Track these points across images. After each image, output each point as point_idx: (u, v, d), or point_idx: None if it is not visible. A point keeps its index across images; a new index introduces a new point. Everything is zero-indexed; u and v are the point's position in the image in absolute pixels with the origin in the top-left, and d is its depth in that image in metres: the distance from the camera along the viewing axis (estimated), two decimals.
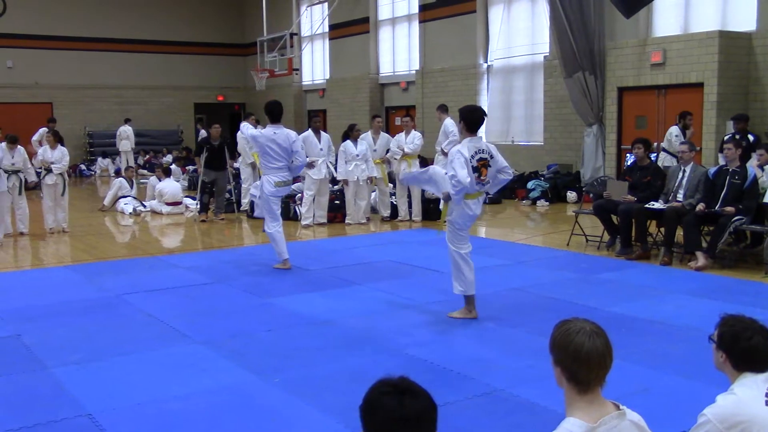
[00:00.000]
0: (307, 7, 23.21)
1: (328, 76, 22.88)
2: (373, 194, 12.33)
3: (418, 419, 1.78)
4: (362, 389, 1.89)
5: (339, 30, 21.89)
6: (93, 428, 3.96)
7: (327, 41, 22.88)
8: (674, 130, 10.99)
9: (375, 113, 17.40)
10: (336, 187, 12.56)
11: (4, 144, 10.39)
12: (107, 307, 6.57)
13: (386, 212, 12.08)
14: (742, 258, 8.31)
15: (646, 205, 8.41)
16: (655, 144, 11.39)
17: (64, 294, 7.13)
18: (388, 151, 12.13)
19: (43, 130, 16.29)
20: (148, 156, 23.44)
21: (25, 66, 23.29)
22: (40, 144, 15.34)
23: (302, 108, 24.58)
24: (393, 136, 12.53)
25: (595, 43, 13.74)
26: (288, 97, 24.48)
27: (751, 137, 10.26)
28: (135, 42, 24.88)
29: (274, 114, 8.11)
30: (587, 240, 9.39)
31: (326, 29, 22.53)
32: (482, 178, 5.81)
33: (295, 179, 14.24)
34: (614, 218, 8.86)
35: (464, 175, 5.59)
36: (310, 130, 11.77)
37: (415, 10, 19.08)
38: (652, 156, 10.21)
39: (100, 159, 23.65)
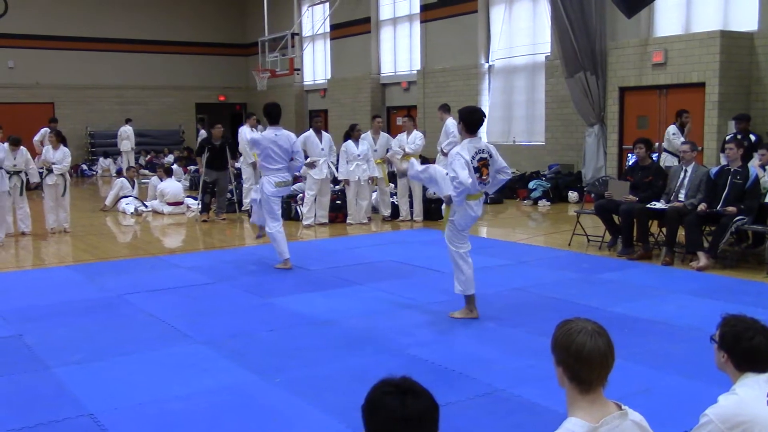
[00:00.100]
0: (309, 7, 23.22)
1: (329, 76, 22.88)
2: (374, 194, 12.34)
3: (420, 419, 1.78)
4: (364, 389, 1.89)
5: (340, 30, 21.90)
6: (94, 428, 3.97)
7: (328, 41, 22.88)
8: (672, 128, 11.16)
9: (376, 113, 17.39)
10: (337, 187, 12.56)
11: (6, 145, 10.40)
12: (109, 307, 6.58)
13: (387, 212, 12.09)
14: (743, 258, 8.30)
15: (648, 205, 8.40)
16: (657, 144, 11.41)
17: (65, 294, 7.13)
18: (387, 150, 12.13)
19: (45, 130, 16.31)
20: (149, 156, 23.45)
21: (26, 66, 23.31)
22: (42, 144, 15.37)
23: (303, 108, 24.58)
24: (394, 137, 12.54)
25: (597, 43, 13.74)
26: (289, 97, 24.50)
27: (752, 137, 10.26)
28: (136, 42, 24.89)
29: (273, 116, 8.16)
30: (589, 240, 9.39)
31: (327, 29, 22.54)
32: (484, 178, 5.83)
33: (296, 179, 14.33)
34: (616, 218, 8.86)
35: (465, 176, 5.60)
36: (311, 130, 11.79)
37: (417, 10, 19.07)
38: (654, 156, 10.23)
39: (101, 159, 23.67)
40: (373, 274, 7.77)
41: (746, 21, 12.03)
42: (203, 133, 20.78)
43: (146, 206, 13.66)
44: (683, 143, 9.09)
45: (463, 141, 5.88)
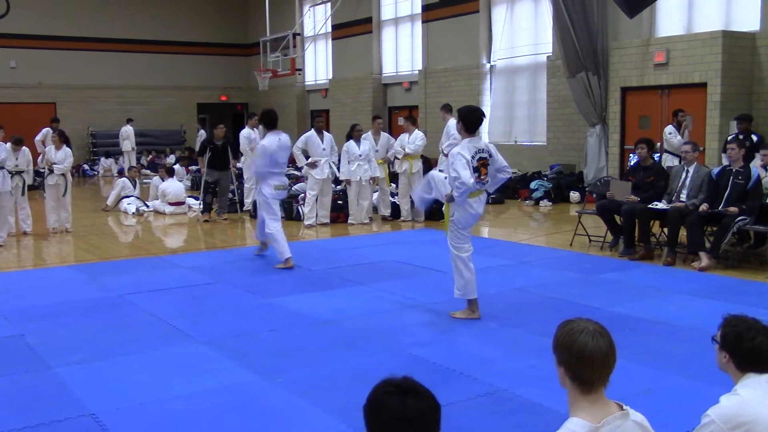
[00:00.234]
0: (310, 7, 23.23)
1: (330, 76, 22.89)
2: (375, 194, 12.34)
3: (421, 419, 1.78)
4: (365, 389, 1.89)
5: (342, 30, 21.90)
6: (96, 428, 3.97)
7: (330, 41, 22.89)
8: (669, 128, 11.30)
9: (377, 113, 17.40)
10: (339, 187, 12.56)
11: (8, 145, 10.41)
12: (110, 307, 6.58)
13: (386, 211, 12.09)
14: (745, 258, 8.30)
15: (650, 206, 8.40)
16: (658, 144, 11.42)
17: (67, 294, 7.14)
18: (388, 151, 12.15)
19: (47, 130, 16.31)
20: (151, 156, 23.46)
21: (28, 66, 23.33)
22: (44, 144, 15.38)
23: (305, 108, 24.58)
24: (396, 137, 12.54)
25: (598, 43, 13.74)
26: (291, 97, 24.51)
27: (754, 137, 10.25)
28: (138, 42, 24.91)
29: (273, 122, 8.34)
30: (590, 240, 9.38)
31: (329, 29, 22.54)
32: (482, 177, 5.85)
33: (298, 179, 14.33)
34: (617, 218, 8.85)
35: (467, 176, 5.62)
36: (313, 130, 11.79)
37: (418, 10, 19.07)
38: (656, 156, 10.23)
39: (103, 159, 23.69)
40: (374, 274, 7.78)
41: (748, 21, 12.02)
42: (202, 133, 20.80)
43: (148, 206, 13.66)
44: (685, 143, 9.09)
45: (463, 141, 5.90)
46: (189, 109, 26.45)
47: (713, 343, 2.68)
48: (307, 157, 11.62)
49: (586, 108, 14.10)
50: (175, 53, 25.74)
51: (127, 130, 21.60)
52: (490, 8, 17.13)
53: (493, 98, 17.20)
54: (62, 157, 11.03)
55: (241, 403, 4.28)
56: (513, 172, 14.70)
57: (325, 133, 11.84)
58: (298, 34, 21.32)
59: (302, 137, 11.85)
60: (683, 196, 8.34)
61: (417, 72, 19.13)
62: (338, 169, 12.01)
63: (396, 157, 11.94)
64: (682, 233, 8.24)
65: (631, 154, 11.82)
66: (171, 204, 13.36)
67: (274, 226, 8.18)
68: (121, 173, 20.26)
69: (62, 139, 11.26)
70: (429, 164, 13.81)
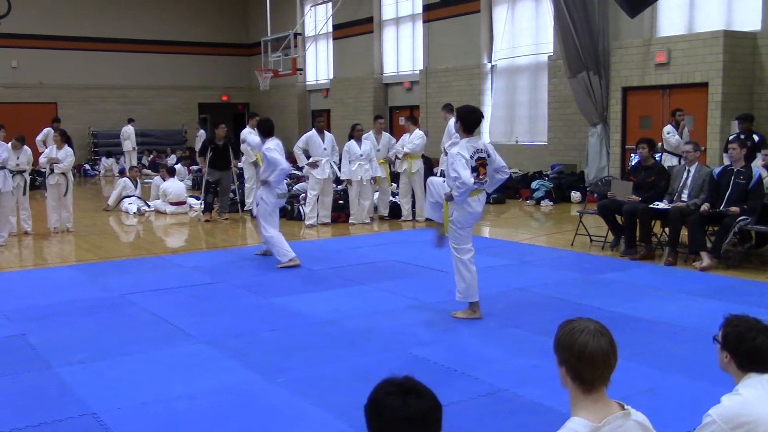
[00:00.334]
0: (311, 7, 23.23)
1: (332, 76, 22.89)
2: (376, 194, 12.34)
3: (422, 419, 1.78)
4: (366, 389, 1.89)
5: (343, 30, 21.90)
6: (98, 427, 3.97)
7: (331, 41, 22.89)
8: (667, 128, 11.36)
9: (379, 113, 17.39)
10: (340, 186, 12.56)
11: (9, 144, 10.42)
12: (111, 307, 6.58)
13: (385, 211, 12.10)
14: (746, 258, 8.29)
15: (651, 205, 8.39)
16: (659, 144, 11.41)
17: (68, 293, 7.14)
18: (389, 151, 12.15)
19: (48, 130, 16.32)
20: (152, 156, 23.47)
21: (29, 66, 23.35)
22: (45, 144, 15.39)
23: (306, 108, 24.58)
24: (397, 137, 12.54)
25: (600, 43, 13.73)
26: (292, 97, 24.52)
27: (755, 137, 10.25)
28: (139, 42, 24.92)
29: (270, 130, 8.54)
30: (591, 240, 9.38)
31: (330, 29, 22.55)
32: (480, 177, 5.87)
33: (299, 179, 14.33)
34: (618, 218, 8.85)
35: (467, 175, 5.64)
36: (314, 129, 11.79)
37: (419, 10, 19.07)
38: (657, 156, 10.22)
39: (104, 159, 23.69)
40: (375, 274, 7.78)
41: (749, 21, 12.02)
42: (202, 132, 20.80)
43: (149, 206, 13.67)
44: (686, 143, 9.09)
45: (462, 140, 5.92)
46: (190, 109, 26.46)
47: (714, 343, 2.68)
48: (308, 157, 11.62)
49: (587, 108, 14.10)
50: (176, 53, 25.75)
51: (128, 130, 21.61)
52: (491, 8, 17.13)
53: (494, 98, 17.20)
54: (63, 156, 11.03)
55: (242, 402, 4.29)
56: (514, 172, 14.88)
57: (326, 132, 11.85)
58: (299, 34, 21.33)
59: (303, 137, 11.85)
60: (684, 196, 8.34)
61: (418, 72, 19.13)
62: (339, 168, 12.01)
63: (397, 157, 11.94)
64: (684, 233, 8.24)
65: (632, 154, 11.83)
66: (172, 204, 13.36)
67: (272, 230, 8.25)
68: (122, 173, 20.25)
69: (64, 138, 11.26)
70: (429, 164, 13.81)
